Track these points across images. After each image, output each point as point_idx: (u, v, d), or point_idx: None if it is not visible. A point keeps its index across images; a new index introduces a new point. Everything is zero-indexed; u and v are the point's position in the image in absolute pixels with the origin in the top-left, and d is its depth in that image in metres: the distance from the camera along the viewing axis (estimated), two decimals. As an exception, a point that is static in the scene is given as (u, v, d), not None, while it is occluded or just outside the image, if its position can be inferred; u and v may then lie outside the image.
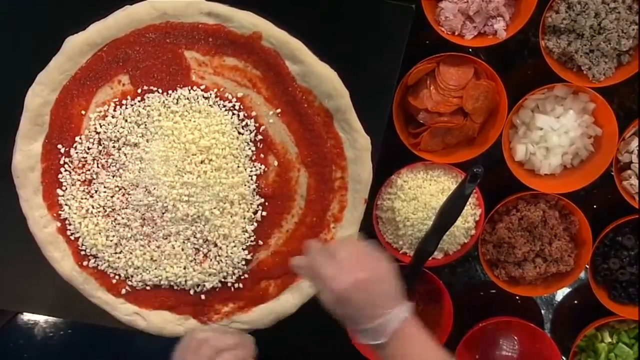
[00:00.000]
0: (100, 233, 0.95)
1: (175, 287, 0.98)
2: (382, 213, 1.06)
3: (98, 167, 0.95)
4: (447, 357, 0.80)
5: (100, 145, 0.94)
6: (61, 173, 0.94)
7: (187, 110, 0.93)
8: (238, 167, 0.95)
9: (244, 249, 0.98)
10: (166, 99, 0.93)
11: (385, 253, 0.83)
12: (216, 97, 0.94)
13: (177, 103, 0.93)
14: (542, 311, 1.17)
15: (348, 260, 0.81)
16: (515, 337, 1.14)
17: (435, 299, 1.09)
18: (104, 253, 0.96)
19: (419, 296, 1.09)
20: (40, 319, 1.18)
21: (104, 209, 0.95)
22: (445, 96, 1.01)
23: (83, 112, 0.93)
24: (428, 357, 0.80)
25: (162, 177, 0.94)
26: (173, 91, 0.93)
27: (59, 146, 0.93)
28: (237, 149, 0.95)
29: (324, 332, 1.03)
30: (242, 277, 0.99)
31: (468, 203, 1.02)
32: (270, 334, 1.00)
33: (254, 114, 0.95)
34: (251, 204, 0.97)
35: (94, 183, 0.95)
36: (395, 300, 0.80)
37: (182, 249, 0.97)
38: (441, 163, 1.04)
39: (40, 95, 0.91)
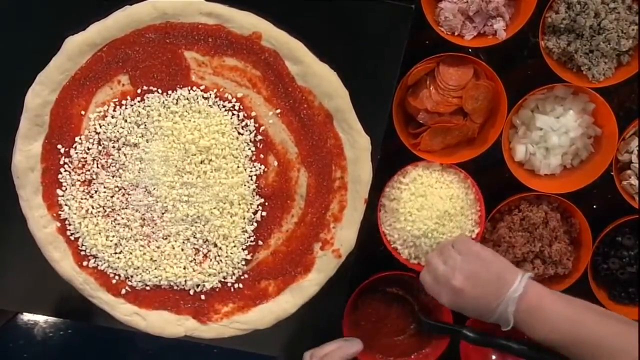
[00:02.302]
0: (100, 233, 0.96)
1: (175, 287, 0.98)
2: (387, 201, 1.04)
3: (98, 167, 0.95)
4: (586, 308, 0.85)
5: (100, 145, 0.94)
6: (61, 173, 0.94)
7: (186, 111, 0.93)
8: (238, 167, 0.95)
9: (243, 249, 0.98)
10: (166, 99, 0.93)
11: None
12: (216, 97, 0.94)
13: (176, 103, 0.94)
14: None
15: (458, 258, 0.89)
16: None
17: (433, 310, 1.09)
18: (103, 253, 0.96)
19: (420, 306, 1.09)
20: (40, 319, 1.18)
21: (103, 209, 0.96)
22: (445, 96, 1.01)
23: (83, 112, 0.93)
24: (562, 322, 0.83)
25: (162, 178, 0.94)
26: (173, 91, 0.93)
27: (59, 146, 0.93)
28: (236, 149, 0.95)
29: (323, 333, 1.04)
30: (242, 277, 0.99)
31: (469, 211, 1.03)
32: (270, 334, 1.00)
33: (253, 114, 0.95)
34: (251, 204, 0.97)
35: (94, 183, 0.95)
36: (504, 283, 0.86)
37: (182, 249, 0.97)
38: (457, 170, 1.03)
39: (40, 95, 0.91)
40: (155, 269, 0.97)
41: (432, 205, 1.01)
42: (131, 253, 0.96)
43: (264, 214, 0.97)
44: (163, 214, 0.95)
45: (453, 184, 1.03)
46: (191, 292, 0.98)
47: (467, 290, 0.87)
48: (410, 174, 1.03)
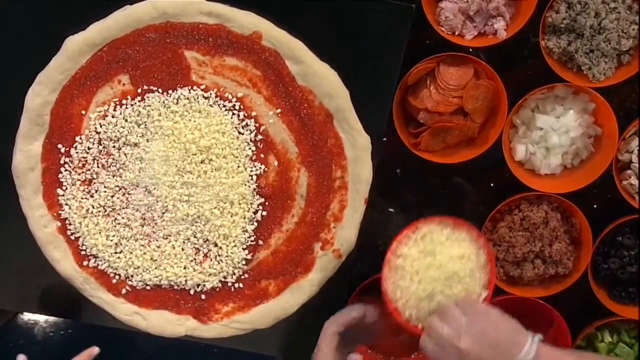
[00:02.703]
0: (100, 233, 0.96)
1: (176, 287, 0.98)
2: (394, 257, 0.94)
3: (98, 167, 0.95)
4: None
5: (100, 145, 0.94)
6: (61, 173, 0.94)
7: (187, 110, 0.93)
8: (238, 167, 0.95)
9: (244, 249, 0.98)
10: (166, 99, 0.93)
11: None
12: (216, 97, 0.94)
13: (177, 103, 0.94)
14: (542, 311, 1.17)
15: (463, 319, 0.83)
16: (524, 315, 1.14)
17: None
18: (104, 253, 0.96)
19: None
20: (40, 319, 1.18)
21: (104, 208, 0.96)
22: (445, 96, 1.01)
23: (83, 112, 0.93)
24: None
25: (162, 177, 0.94)
26: (173, 91, 0.93)
27: (59, 146, 0.93)
28: (237, 148, 0.95)
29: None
30: (242, 277, 0.99)
31: (479, 273, 0.95)
32: (270, 334, 1.00)
33: (254, 113, 0.95)
34: (251, 203, 0.97)
35: (94, 183, 0.95)
36: (514, 344, 0.81)
37: (182, 249, 0.97)
38: (470, 227, 0.93)
39: (40, 95, 0.91)
40: (156, 268, 0.97)
41: (441, 265, 0.91)
42: (131, 253, 0.96)
43: (264, 213, 0.97)
44: (163, 213, 0.95)
45: (465, 243, 0.93)
46: (191, 292, 0.98)
47: (475, 353, 0.81)
48: (420, 230, 0.93)
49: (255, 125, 0.95)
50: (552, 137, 1.05)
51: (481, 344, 0.81)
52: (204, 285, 0.98)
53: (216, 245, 0.97)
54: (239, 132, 0.95)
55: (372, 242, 1.11)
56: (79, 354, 0.96)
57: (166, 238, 0.96)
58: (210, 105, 0.94)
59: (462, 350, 0.81)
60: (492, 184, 1.12)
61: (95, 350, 0.96)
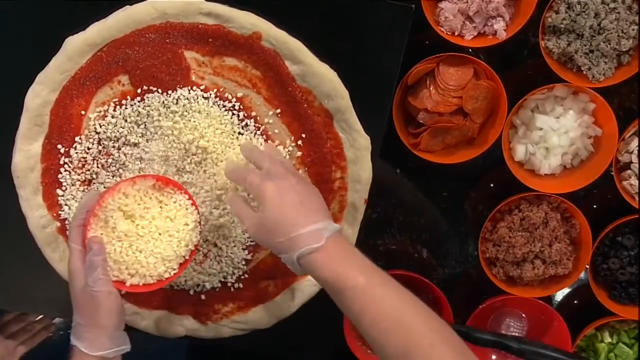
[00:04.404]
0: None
1: (175, 287, 0.98)
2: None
3: (98, 167, 0.95)
4: (374, 269, 0.76)
5: (100, 145, 0.94)
6: (61, 173, 0.94)
7: (186, 110, 0.93)
8: (238, 167, 0.95)
9: (243, 249, 0.98)
10: (166, 99, 0.93)
11: None
12: (216, 97, 0.94)
13: (176, 103, 0.93)
14: (542, 311, 1.17)
15: (276, 170, 0.79)
16: (524, 315, 1.14)
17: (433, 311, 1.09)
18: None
19: None
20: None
21: (104, 209, 0.95)
22: (445, 96, 1.01)
23: (83, 112, 0.93)
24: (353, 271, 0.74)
25: (162, 177, 0.93)
26: (173, 91, 0.93)
27: (59, 146, 0.93)
28: (237, 149, 0.95)
29: (323, 333, 1.04)
30: (242, 277, 0.99)
31: None
32: (270, 334, 1.00)
33: (254, 114, 0.95)
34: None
35: (94, 183, 0.95)
36: (324, 213, 0.78)
37: (182, 249, 0.97)
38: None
39: (40, 95, 0.91)
40: (156, 268, 0.96)
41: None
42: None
43: (264, 214, 0.97)
44: (163, 213, 0.95)
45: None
46: (191, 292, 0.98)
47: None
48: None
49: (255, 126, 0.95)
50: (551, 137, 1.05)
51: (286, 193, 0.77)
52: (204, 285, 0.98)
53: (216, 245, 0.97)
54: (239, 133, 0.95)
55: (372, 242, 1.12)
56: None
57: (166, 238, 0.96)
58: (210, 105, 0.94)
59: (264, 193, 0.76)
60: (492, 184, 1.12)
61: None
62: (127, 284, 0.84)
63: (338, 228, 0.77)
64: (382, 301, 0.72)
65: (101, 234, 0.83)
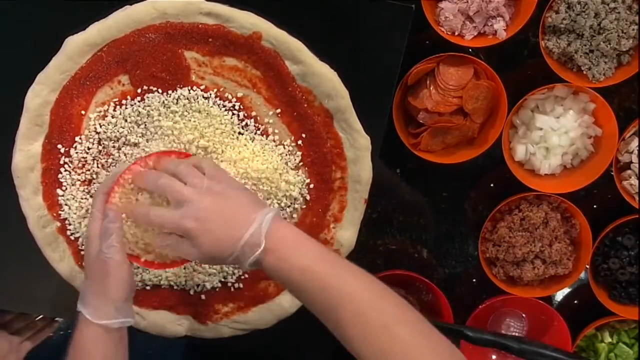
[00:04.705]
0: (100, 233, 0.95)
1: (175, 287, 0.98)
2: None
3: (98, 167, 0.95)
4: (323, 253, 0.74)
5: (100, 145, 0.94)
6: (61, 173, 0.94)
7: (186, 110, 0.93)
8: (238, 167, 0.95)
9: (243, 249, 0.98)
10: (166, 99, 0.93)
11: None
12: (216, 97, 0.94)
13: (176, 103, 0.93)
14: (542, 311, 1.17)
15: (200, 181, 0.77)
16: (524, 315, 1.14)
17: (433, 311, 1.09)
18: (104, 253, 0.96)
19: (420, 306, 1.09)
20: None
21: (104, 209, 0.95)
22: (445, 96, 1.01)
23: (83, 112, 0.93)
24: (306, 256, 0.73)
25: (162, 177, 0.93)
26: (173, 91, 0.93)
27: (59, 146, 0.93)
28: (237, 149, 0.95)
29: (323, 333, 1.03)
30: (242, 277, 0.99)
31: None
32: (270, 334, 1.00)
33: (254, 114, 0.95)
34: (251, 204, 0.96)
35: (94, 183, 0.95)
36: (252, 208, 0.75)
37: (182, 249, 0.96)
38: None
39: (40, 95, 0.91)
40: (156, 268, 0.97)
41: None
42: (131, 253, 0.96)
43: (264, 213, 0.97)
44: (163, 213, 0.95)
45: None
46: (191, 292, 0.98)
47: (201, 228, 0.75)
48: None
49: (255, 126, 0.95)
50: (551, 137, 1.05)
51: (207, 220, 0.75)
52: (204, 285, 0.98)
53: (216, 245, 0.97)
54: (239, 133, 0.95)
55: (372, 242, 1.12)
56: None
57: (166, 238, 0.96)
58: (210, 105, 0.94)
59: (188, 230, 0.74)
60: (492, 184, 1.12)
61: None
62: (142, 259, 0.84)
63: (272, 214, 0.74)
64: (337, 284, 0.71)
65: (122, 203, 0.82)
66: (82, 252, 0.96)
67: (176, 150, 0.87)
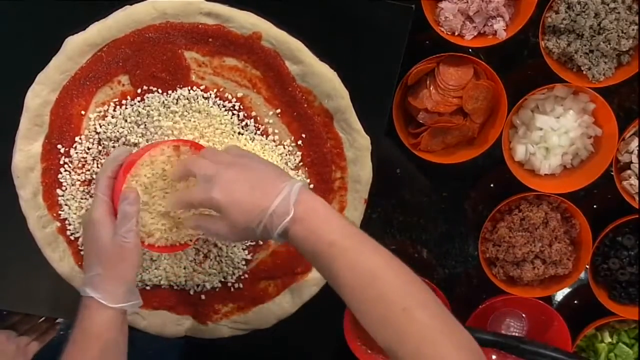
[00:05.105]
0: (100, 233, 0.95)
1: (175, 287, 0.98)
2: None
3: (98, 167, 0.95)
4: (354, 229, 0.74)
5: (100, 145, 0.94)
6: (61, 173, 0.94)
7: (186, 111, 0.93)
8: (238, 167, 0.95)
9: (244, 249, 0.98)
10: (166, 99, 0.93)
11: None
12: (216, 97, 0.94)
13: (176, 103, 0.93)
14: (542, 311, 1.17)
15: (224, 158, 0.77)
16: (524, 315, 1.14)
17: None
18: (103, 253, 0.96)
19: None
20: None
21: (103, 209, 0.95)
22: (445, 96, 1.01)
23: (83, 112, 0.93)
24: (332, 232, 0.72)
25: (162, 177, 0.93)
26: (173, 91, 0.93)
27: (59, 146, 0.93)
28: (237, 149, 0.95)
29: (323, 333, 1.04)
30: (242, 277, 0.99)
31: None
32: (270, 334, 1.00)
33: (254, 114, 0.95)
34: (251, 204, 0.96)
35: (94, 183, 0.95)
36: (279, 178, 0.75)
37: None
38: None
39: (40, 95, 0.91)
40: (155, 269, 0.96)
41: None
42: (131, 253, 0.96)
43: (264, 214, 0.97)
44: (163, 214, 0.95)
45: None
46: (191, 292, 0.98)
47: (228, 200, 0.74)
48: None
49: (255, 126, 0.95)
50: (551, 137, 1.05)
51: (234, 189, 0.73)
52: (204, 285, 0.98)
53: (216, 245, 0.97)
54: (239, 133, 0.95)
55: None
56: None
57: (166, 238, 0.96)
58: (210, 105, 0.94)
59: (217, 202, 0.73)
60: (492, 184, 1.12)
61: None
62: (150, 244, 0.84)
63: (300, 184, 0.74)
64: (364, 262, 0.71)
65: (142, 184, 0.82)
66: (82, 252, 0.96)
67: (190, 140, 0.88)
